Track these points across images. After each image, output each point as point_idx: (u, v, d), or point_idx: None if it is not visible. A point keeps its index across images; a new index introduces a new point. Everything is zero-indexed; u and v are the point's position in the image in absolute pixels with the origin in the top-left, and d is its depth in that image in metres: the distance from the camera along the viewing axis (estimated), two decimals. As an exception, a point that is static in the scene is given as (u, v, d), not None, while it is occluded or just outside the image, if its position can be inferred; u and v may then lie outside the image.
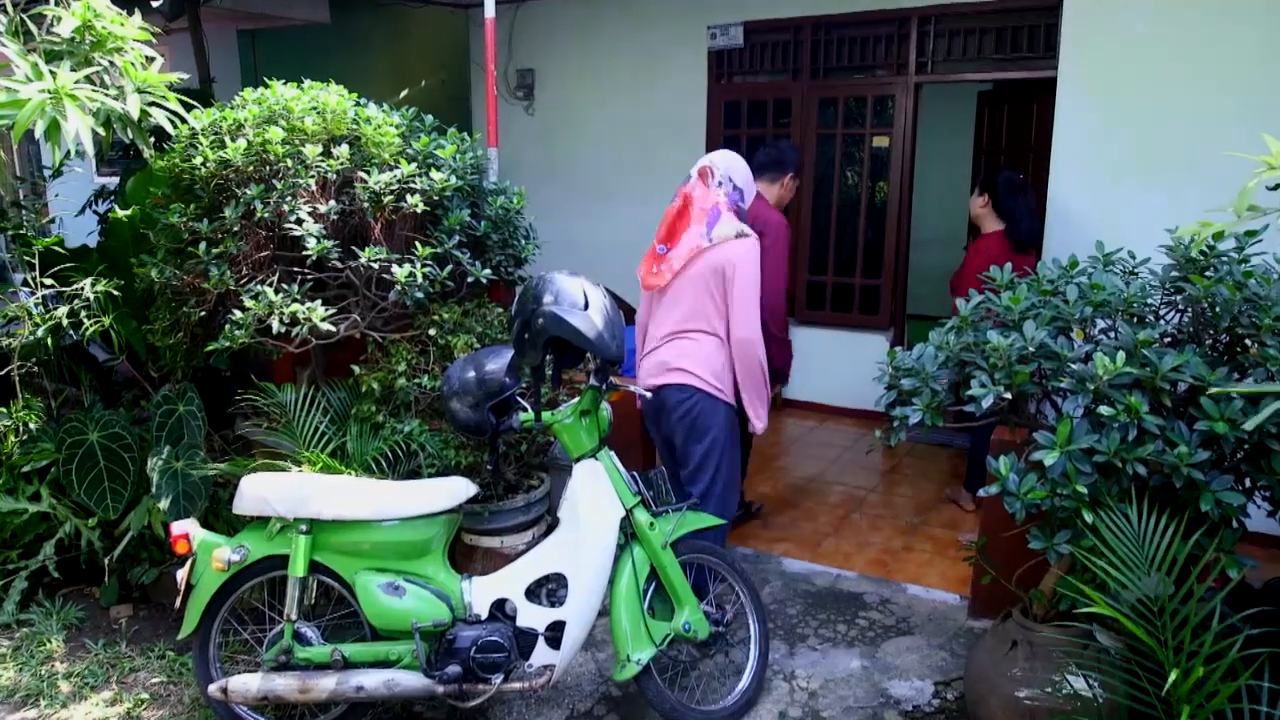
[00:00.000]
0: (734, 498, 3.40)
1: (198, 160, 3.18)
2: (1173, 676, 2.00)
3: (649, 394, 3.18)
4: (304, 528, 2.70)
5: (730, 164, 3.33)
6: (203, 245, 3.19)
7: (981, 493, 2.45)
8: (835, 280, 6.19)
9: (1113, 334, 2.53)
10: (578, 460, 2.79)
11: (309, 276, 3.23)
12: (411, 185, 3.22)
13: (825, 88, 6.02)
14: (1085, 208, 4.60)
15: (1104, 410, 2.21)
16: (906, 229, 6.00)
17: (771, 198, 4.15)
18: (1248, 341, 2.37)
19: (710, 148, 6.39)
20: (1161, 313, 2.62)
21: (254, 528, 2.79)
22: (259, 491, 2.70)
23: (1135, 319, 2.48)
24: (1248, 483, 2.34)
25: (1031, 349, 2.38)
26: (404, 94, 8.11)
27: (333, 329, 3.18)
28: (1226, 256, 2.54)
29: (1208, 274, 2.49)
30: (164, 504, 3.28)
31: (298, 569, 2.69)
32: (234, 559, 2.69)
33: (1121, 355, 2.23)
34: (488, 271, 3.41)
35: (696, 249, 3.19)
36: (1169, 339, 2.53)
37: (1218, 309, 2.37)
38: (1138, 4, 4.40)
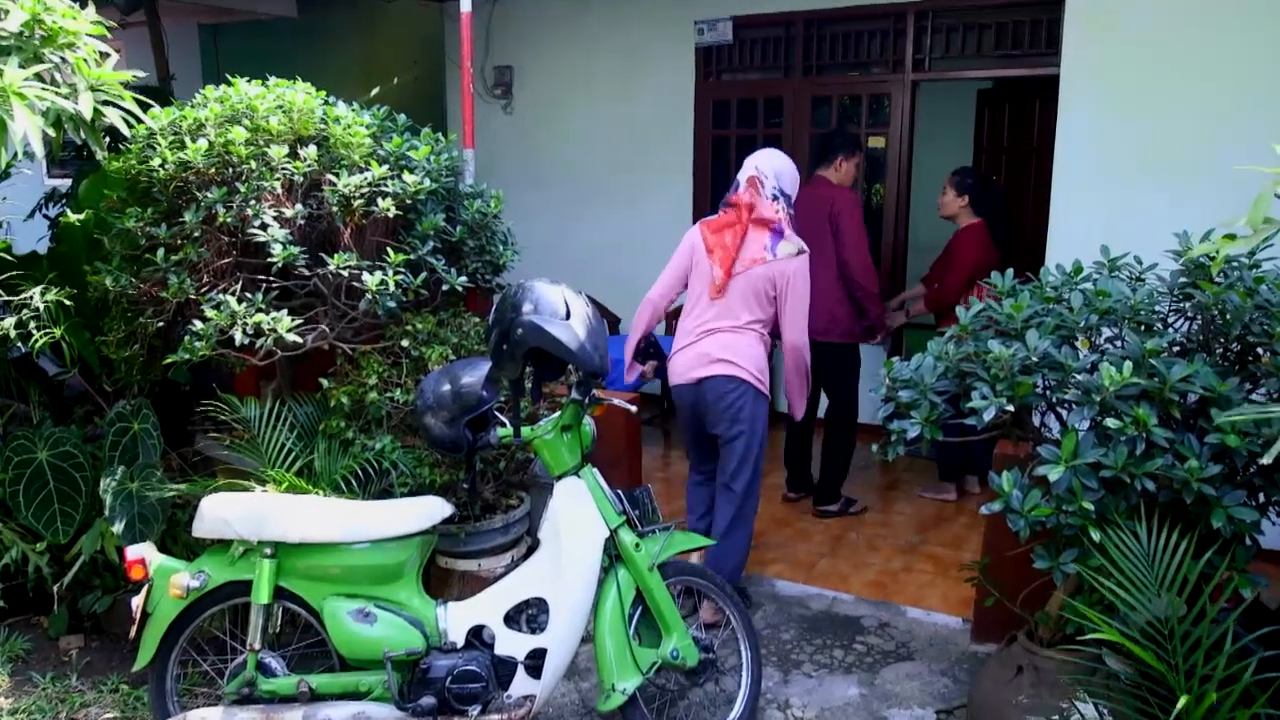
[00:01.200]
0: (759, 489, 3.76)
1: (156, 162, 3.16)
2: (1182, 702, 2.01)
3: (633, 409, 3.19)
4: (268, 551, 2.67)
5: (778, 169, 3.67)
6: (161, 251, 3.17)
7: (984, 510, 2.46)
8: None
9: (1119, 343, 2.54)
10: (559, 478, 2.78)
11: (274, 285, 3.21)
12: (383, 188, 3.21)
13: (818, 86, 6.05)
14: (1089, 210, 4.64)
15: (1111, 423, 2.23)
16: (904, 234, 6.04)
17: (835, 180, 4.66)
18: (1260, 350, 2.39)
19: (698, 148, 6.42)
20: (1170, 320, 2.64)
21: (215, 552, 2.76)
22: (220, 513, 2.68)
23: (1142, 327, 2.50)
24: (1261, 498, 2.36)
25: (1035, 359, 2.39)
26: (375, 92, 8.10)
27: (299, 340, 3.16)
28: (1237, 262, 2.57)
29: (1217, 280, 2.51)
30: (118, 527, 3.25)
31: (261, 595, 2.66)
32: (193, 585, 2.66)
33: (1129, 365, 2.24)
34: (464, 279, 3.41)
35: (759, 260, 3.58)
36: (1178, 348, 2.55)
37: (1228, 316, 2.39)
38: (1140, 1, 4.45)
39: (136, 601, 2.71)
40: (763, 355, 3.63)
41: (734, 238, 3.62)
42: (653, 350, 4.15)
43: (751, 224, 3.60)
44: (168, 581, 2.68)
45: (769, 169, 3.65)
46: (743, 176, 3.68)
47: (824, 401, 5.02)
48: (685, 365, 3.67)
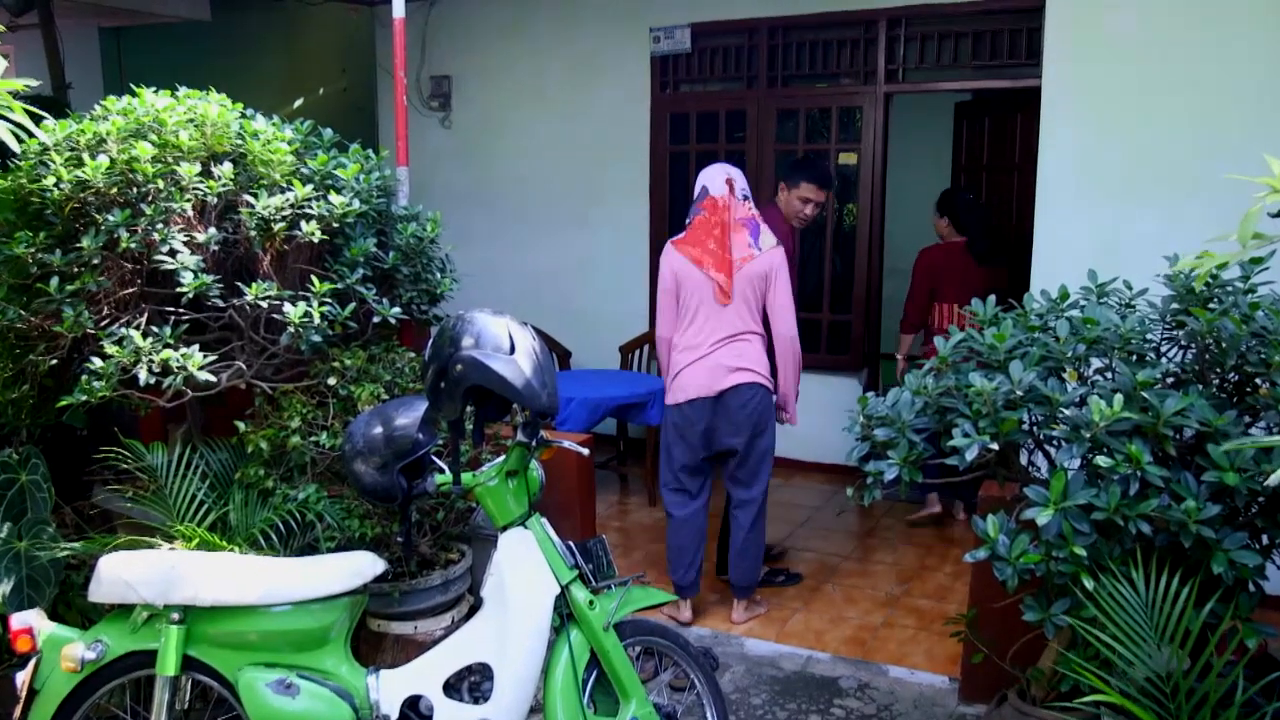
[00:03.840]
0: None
1: (49, 181, 3.12)
2: (1188, 765, 2.03)
3: (585, 451, 3.20)
4: (176, 617, 2.62)
5: (734, 173, 4.17)
6: (54, 280, 3.12)
7: (968, 558, 2.49)
8: (799, 316, 6.27)
9: (1109, 374, 2.60)
10: (504, 529, 2.77)
11: (184, 317, 3.17)
12: (307, 210, 3.19)
13: (784, 98, 6.16)
14: (1075, 232, 4.75)
15: (1102, 461, 2.27)
16: (879, 257, 6.13)
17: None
18: (1258, 381, 2.45)
19: (654, 164, 6.49)
20: (1162, 350, 2.70)
21: (114, 618, 2.70)
22: (120, 574, 2.63)
23: (1134, 357, 2.55)
24: (1264, 540, 2.41)
25: (1019, 392, 2.43)
26: (298, 104, 8.09)
27: (213, 379, 3.12)
28: (1231, 286, 2.64)
29: (1211, 306, 2.57)
30: (3, 591, 3.16)
31: (168, 667, 2.61)
32: (89, 657, 2.59)
33: (1119, 398, 2.28)
34: (397, 310, 3.39)
35: (748, 257, 4.04)
36: (1171, 379, 2.60)
37: (1223, 345, 2.45)
38: (1126, 7, 4.60)
39: (22, 677, 2.63)
40: (766, 358, 4.15)
41: (719, 242, 4.02)
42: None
43: (730, 226, 4.03)
44: (59, 653, 2.61)
45: (734, 174, 4.14)
46: (712, 185, 4.11)
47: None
48: (702, 379, 4.03)
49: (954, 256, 5.33)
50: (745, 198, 4.13)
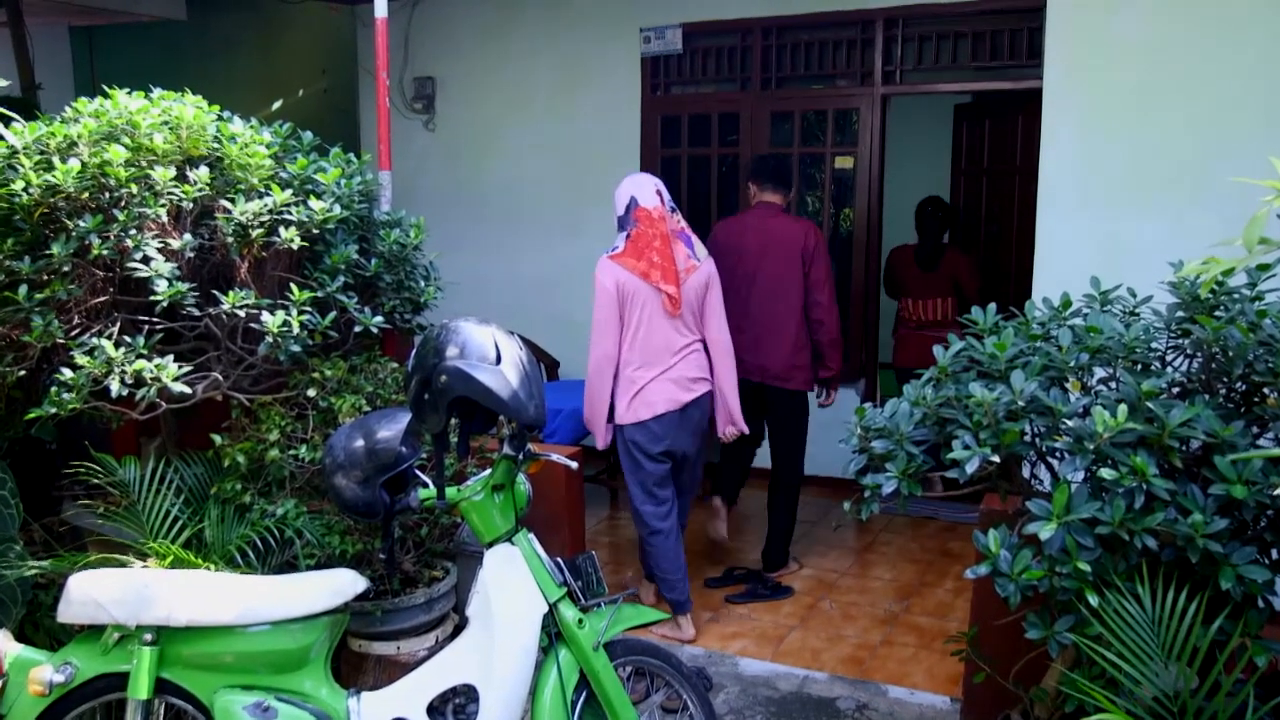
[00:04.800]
0: None
1: (18, 185, 3.11)
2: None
3: (574, 464, 3.19)
4: (149, 638, 2.61)
5: (661, 184, 4.28)
6: (23, 289, 3.11)
7: (969, 573, 2.49)
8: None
9: (1113, 384, 2.61)
10: (490, 545, 2.77)
11: (158, 326, 3.17)
12: (286, 216, 3.19)
13: (779, 100, 6.18)
14: (1078, 237, 4.77)
15: (1106, 473, 2.27)
16: (876, 263, 6.15)
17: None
18: (1266, 390, 2.46)
19: (645, 168, 6.49)
20: (1168, 359, 2.71)
21: (84, 639, 2.69)
22: (91, 593, 2.62)
23: (1138, 366, 2.56)
24: (1274, 554, 2.42)
25: (1021, 403, 2.43)
26: (277, 106, 8.08)
27: (188, 390, 3.11)
28: (1238, 293, 2.65)
29: (1217, 314, 2.59)
30: (-31, 612, 3.14)
31: (140, 690, 2.60)
32: (57, 680, 2.58)
33: (1123, 409, 2.29)
34: (379, 319, 3.39)
35: (691, 268, 4.20)
36: (1177, 389, 2.61)
37: (1230, 353, 2.46)
38: (1129, 7, 4.62)
39: (-11, 701, 2.62)
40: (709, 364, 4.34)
41: (662, 254, 4.10)
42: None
43: (669, 237, 4.14)
44: (26, 676, 2.60)
45: (660, 184, 4.26)
46: (641, 196, 4.18)
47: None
48: (669, 393, 4.15)
49: (906, 257, 6.25)
50: (674, 209, 4.25)
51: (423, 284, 3.74)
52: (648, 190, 4.19)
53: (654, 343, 4.12)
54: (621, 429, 4.21)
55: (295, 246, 3.19)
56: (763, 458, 5.08)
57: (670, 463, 4.24)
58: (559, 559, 2.84)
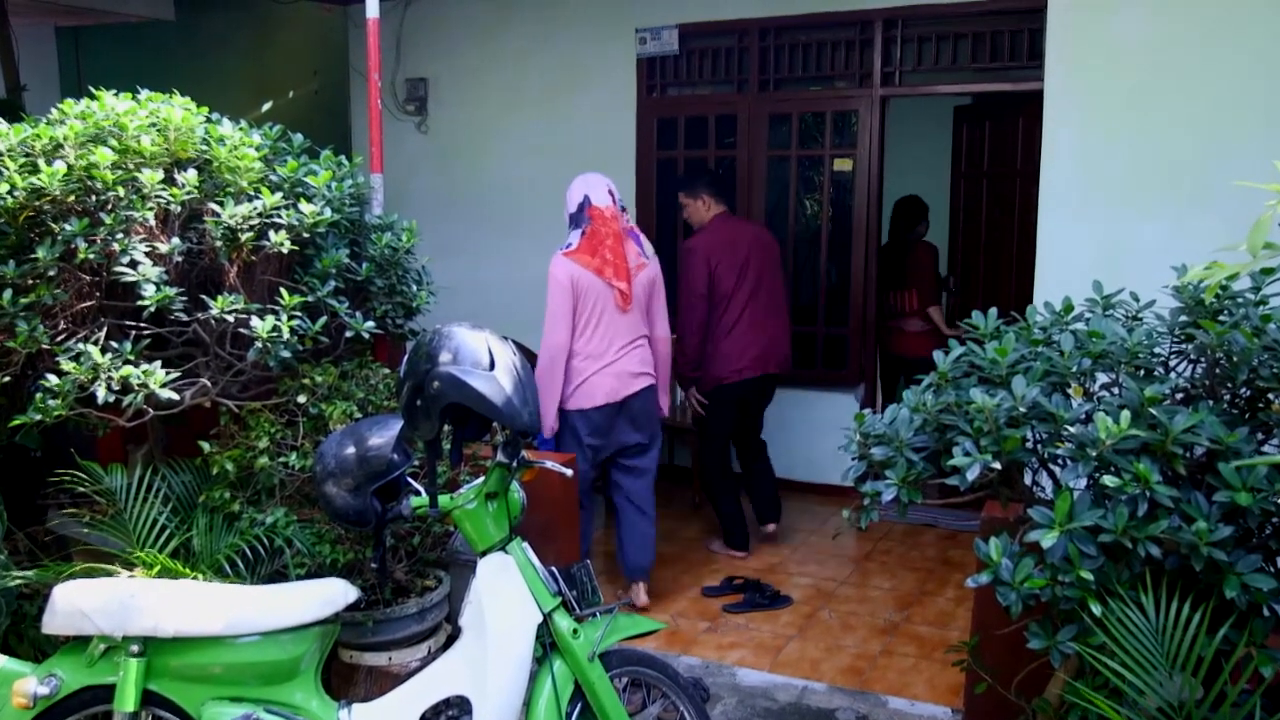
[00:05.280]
0: None
1: (2, 188, 3.11)
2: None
3: (569, 471, 3.20)
4: (135, 649, 2.61)
5: (613, 184, 4.56)
6: (7, 293, 3.11)
7: (970, 582, 2.49)
8: (793, 329, 6.30)
9: (1116, 390, 2.61)
10: (483, 554, 2.76)
11: (146, 332, 3.16)
12: (276, 219, 3.19)
13: (776, 102, 6.19)
14: (1079, 241, 4.79)
15: (1109, 480, 2.27)
16: (876, 268, 6.16)
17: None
18: (1270, 396, 2.46)
19: (641, 171, 6.51)
20: (1171, 364, 2.72)
21: (70, 651, 2.68)
22: (76, 603, 2.61)
23: (1141, 372, 2.57)
24: (1279, 563, 2.42)
25: (1022, 409, 2.43)
26: (267, 107, 8.08)
27: (175, 397, 3.11)
28: (1242, 298, 2.65)
29: (1221, 319, 2.59)
30: (-48, 623, 3.14)
31: (127, 702, 2.59)
32: (42, 692, 2.57)
33: (1126, 415, 2.29)
34: (371, 324, 3.39)
35: (641, 265, 4.49)
36: (1180, 395, 2.62)
37: (1234, 359, 2.46)
38: (1130, 7, 4.64)
39: (-28, 713, 2.61)
40: (652, 356, 4.62)
41: (614, 251, 4.38)
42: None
43: (621, 235, 4.43)
44: (10, 689, 2.59)
45: (612, 184, 4.55)
46: (594, 195, 4.46)
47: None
48: (610, 385, 4.42)
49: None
50: (623, 209, 4.56)
51: (415, 288, 3.74)
52: (600, 190, 4.48)
53: (604, 336, 4.43)
54: (565, 413, 4.51)
55: (285, 250, 3.19)
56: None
57: (597, 474, 4.67)
58: (553, 568, 2.84)
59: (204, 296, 3.15)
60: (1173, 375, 2.67)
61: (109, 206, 3.12)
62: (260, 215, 3.17)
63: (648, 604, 4.73)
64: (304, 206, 3.23)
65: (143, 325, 3.16)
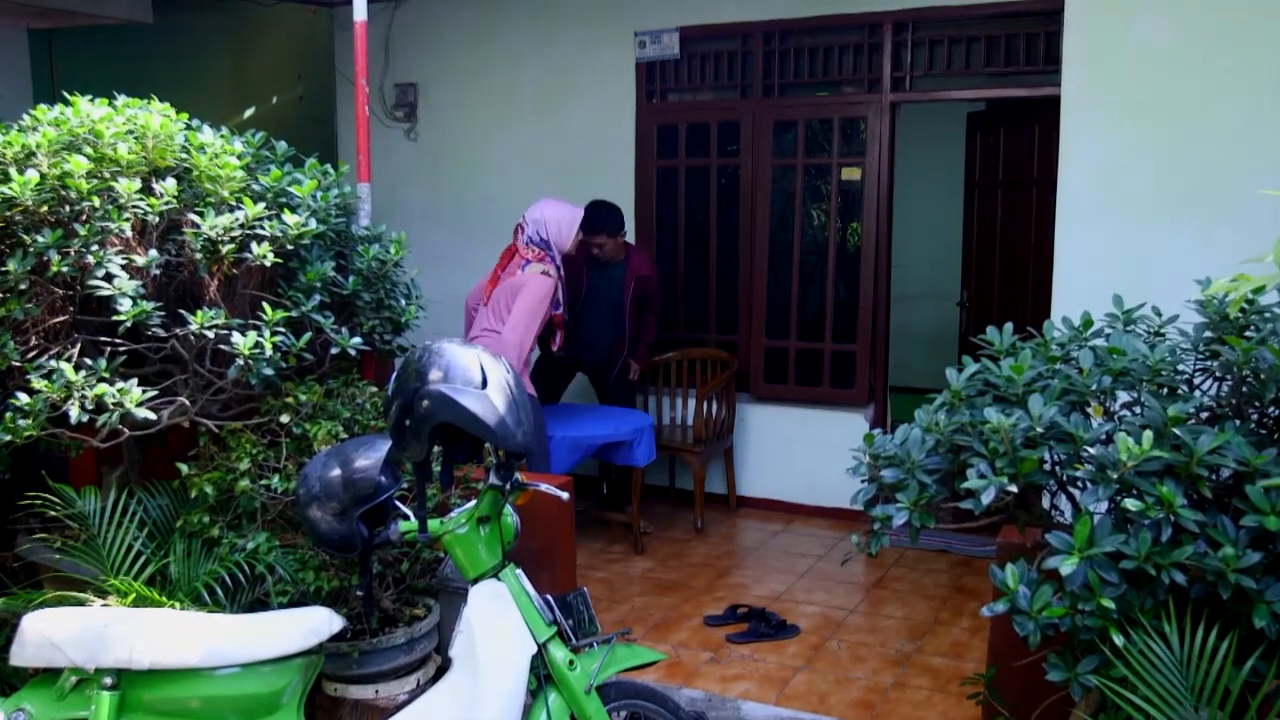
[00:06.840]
0: None
1: (-27, 198, 3.12)
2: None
3: (564, 495, 3.19)
4: (109, 681, 2.60)
5: (538, 218, 5.15)
6: (-23, 308, 3.12)
7: (986, 611, 2.49)
8: (799, 346, 6.31)
9: (1137, 409, 2.61)
10: (475, 582, 2.76)
11: (121, 348, 3.17)
12: (258, 231, 3.20)
13: (781, 108, 6.21)
14: (1099, 253, 4.80)
15: (1131, 504, 2.27)
16: (885, 281, 6.16)
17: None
18: (1299, 416, 2.47)
19: (640, 180, 6.52)
20: (1195, 382, 2.72)
21: (39, 684, 2.67)
22: (46, 634, 2.60)
23: (1164, 390, 2.57)
24: (1308, 590, 2.42)
25: (1040, 429, 2.43)
26: (249, 114, 8.10)
27: (152, 416, 3.11)
28: (1269, 313, 2.66)
29: (1247, 334, 2.59)
30: (-84, 654, 3.13)
31: (100, 738, 2.58)
32: (11, 727, 2.57)
33: (1149, 435, 2.29)
34: (357, 340, 3.39)
35: (511, 275, 5.11)
36: (1205, 414, 2.62)
37: (1261, 376, 2.47)
38: (1151, 10, 4.66)
39: (-64, 750, 2.61)
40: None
41: (503, 266, 5.15)
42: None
43: (516, 257, 5.12)
44: (-23, 723, 2.59)
45: (530, 218, 5.14)
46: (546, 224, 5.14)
47: None
48: None
49: None
50: (532, 241, 5.15)
51: (403, 303, 3.74)
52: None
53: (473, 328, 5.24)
54: None
55: (268, 263, 3.20)
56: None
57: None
58: (548, 596, 2.84)
59: (183, 311, 3.15)
60: (1197, 394, 2.67)
61: (83, 217, 3.13)
62: (242, 226, 3.18)
63: None
64: (288, 217, 3.24)
65: (118, 341, 3.16)
